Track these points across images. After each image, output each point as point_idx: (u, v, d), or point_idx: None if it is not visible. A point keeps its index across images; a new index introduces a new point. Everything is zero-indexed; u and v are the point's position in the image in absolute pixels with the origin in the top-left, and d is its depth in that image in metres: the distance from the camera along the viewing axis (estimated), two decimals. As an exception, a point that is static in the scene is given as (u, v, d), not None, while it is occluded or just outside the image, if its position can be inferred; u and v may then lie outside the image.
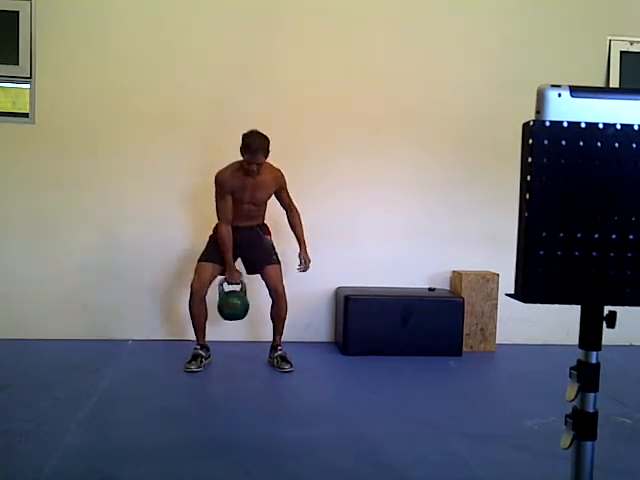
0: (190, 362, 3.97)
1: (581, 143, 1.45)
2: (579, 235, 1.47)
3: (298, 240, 4.24)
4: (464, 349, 4.58)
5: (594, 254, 1.47)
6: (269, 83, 4.68)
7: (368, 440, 2.95)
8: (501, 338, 4.78)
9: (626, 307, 1.51)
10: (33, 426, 2.94)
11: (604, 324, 1.58)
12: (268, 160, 3.96)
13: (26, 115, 4.58)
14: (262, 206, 4.15)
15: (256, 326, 4.67)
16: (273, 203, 4.23)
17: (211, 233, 4.17)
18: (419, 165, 4.87)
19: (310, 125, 4.74)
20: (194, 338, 4.16)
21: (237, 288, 4.13)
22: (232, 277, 4.06)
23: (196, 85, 4.66)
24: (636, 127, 1.45)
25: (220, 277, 4.10)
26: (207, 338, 4.12)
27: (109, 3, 4.59)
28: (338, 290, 4.76)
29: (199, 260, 4.08)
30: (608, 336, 1.62)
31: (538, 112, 1.46)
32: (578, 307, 1.60)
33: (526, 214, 1.47)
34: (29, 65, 4.51)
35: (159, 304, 4.71)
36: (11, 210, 4.59)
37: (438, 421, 3.23)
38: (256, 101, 4.64)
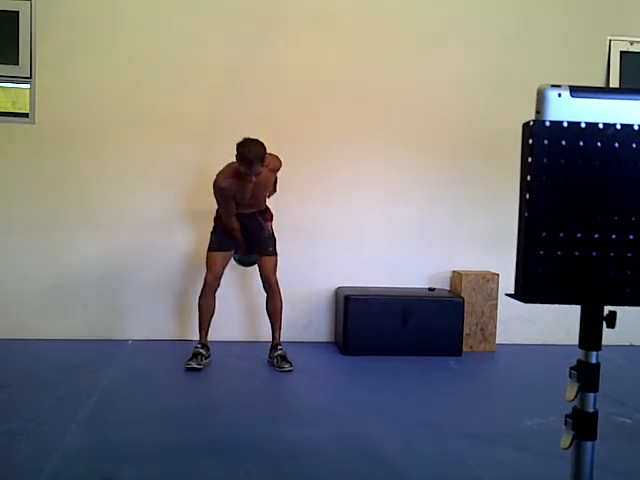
0: (190, 359, 3.97)
1: (581, 143, 1.45)
2: (579, 235, 1.47)
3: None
4: (464, 349, 4.58)
5: (594, 254, 1.47)
6: (270, 84, 4.68)
7: (368, 440, 2.95)
8: (501, 338, 4.78)
9: (626, 307, 1.51)
10: (33, 426, 2.94)
11: (604, 324, 1.58)
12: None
13: (26, 115, 4.58)
14: (263, 195, 4.13)
15: (256, 326, 4.67)
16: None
17: (214, 224, 4.17)
18: (419, 165, 4.87)
19: (310, 126, 4.74)
20: (195, 338, 4.17)
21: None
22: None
23: (197, 85, 4.66)
24: (636, 127, 1.45)
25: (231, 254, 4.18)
26: (207, 338, 4.12)
27: (109, 3, 4.60)
28: (338, 290, 4.76)
29: (209, 250, 4.09)
30: (608, 336, 1.62)
31: (538, 112, 1.46)
32: (578, 307, 1.60)
33: (526, 214, 1.47)
34: (29, 65, 4.51)
35: (159, 304, 4.71)
36: (11, 210, 4.59)
37: (438, 421, 3.23)
38: (257, 102, 4.64)
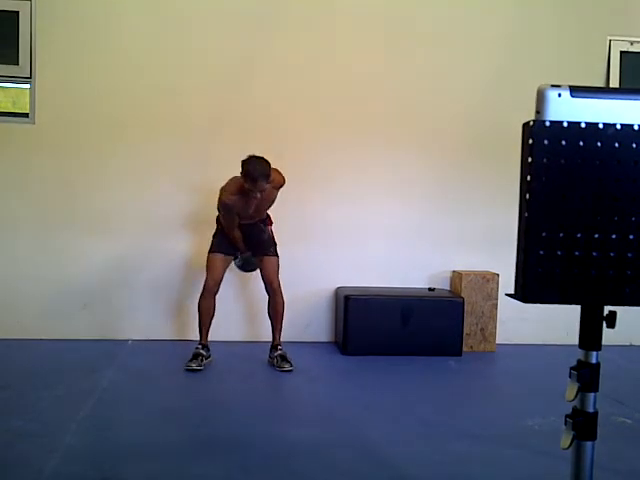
0: (191, 360, 3.97)
1: (581, 143, 1.45)
2: (579, 235, 1.47)
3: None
4: (464, 349, 4.58)
5: (594, 254, 1.47)
6: (270, 84, 4.68)
7: (368, 440, 2.95)
8: (501, 338, 4.78)
9: (626, 307, 1.51)
10: (33, 426, 2.94)
11: (604, 324, 1.58)
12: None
13: (26, 115, 4.58)
14: (265, 209, 4.16)
15: (256, 326, 4.67)
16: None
17: (216, 227, 4.19)
18: (419, 165, 4.87)
19: (310, 126, 4.74)
20: (194, 338, 4.17)
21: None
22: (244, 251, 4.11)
23: (198, 85, 4.66)
24: (636, 127, 1.45)
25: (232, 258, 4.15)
26: (208, 338, 4.12)
27: (109, 3, 4.59)
28: (338, 290, 4.76)
29: (210, 251, 4.10)
30: (608, 336, 1.62)
31: (538, 112, 1.46)
32: (578, 307, 1.60)
33: (526, 214, 1.47)
34: (29, 65, 4.51)
35: (159, 304, 4.71)
36: (11, 210, 4.59)
37: (438, 421, 3.23)
38: (257, 102, 4.64)
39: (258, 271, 4.19)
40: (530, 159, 1.46)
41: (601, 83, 4.94)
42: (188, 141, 4.66)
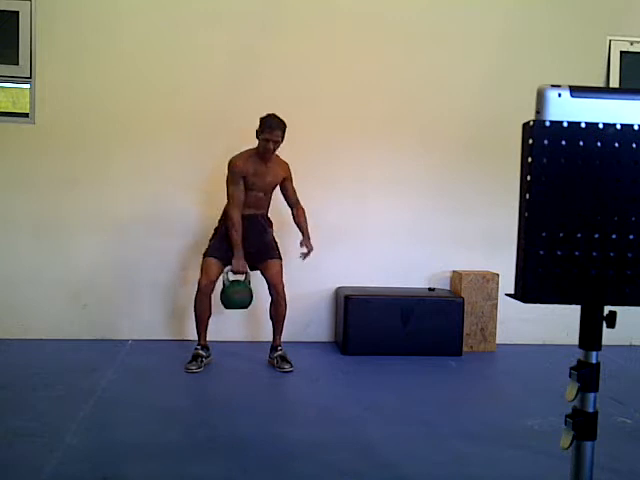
0: (190, 362, 3.97)
1: (581, 143, 1.45)
2: (579, 235, 1.47)
3: (303, 233, 4.22)
4: (464, 349, 4.58)
5: (594, 254, 1.47)
6: (271, 85, 4.68)
7: (368, 440, 2.95)
8: (501, 338, 4.78)
9: (626, 307, 1.51)
10: (33, 426, 2.94)
11: (604, 324, 1.58)
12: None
13: (26, 115, 4.58)
14: (269, 194, 4.15)
15: (256, 326, 4.67)
16: (276, 201, 4.24)
17: (216, 225, 4.18)
18: (419, 164, 4.87)
19: (310, 125, 4.73)
20: (194, 338, 4.16)
21: (241, 278, 4.09)
22: (238, 265, 3.97)
23: (198, 85, 4.66)
24: (636, 127, 1.45)
25: (226, 267, 4.07)
26: (207, 338, 4.12)
27: (109, 3, 4.59)
28: (338, 290, 4.76)
29: (205, 255, 4.08)
30: (608, 336, 1.62)
31: (538, 112, 1.46)
32: (578, 307, 1.60)
33: (526, 214, 1.47)
34: (29, 65, 4.51)
35: (159, 304, 4.71)
36: (11, 210, 4.59)
37: (438, 421, 3.23)
38: (258, 102, 4.62)
39: (259, 272, 4.18)
40: (530, 159, 1.46)
41: (601, 83, 4.94)
42: (189, 141, 4.66)
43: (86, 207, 4.62)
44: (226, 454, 2.73)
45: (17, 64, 4.51)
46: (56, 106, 4.56)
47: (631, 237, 1.47)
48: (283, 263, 4.15)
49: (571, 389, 1.58)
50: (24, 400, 3.33)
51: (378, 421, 3.21)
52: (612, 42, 4.96)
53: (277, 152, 4.06)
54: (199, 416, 3.26)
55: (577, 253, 1.47)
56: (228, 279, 4.09)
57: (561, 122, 1.45)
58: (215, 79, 4.68)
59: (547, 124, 1.45)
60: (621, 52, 4.97)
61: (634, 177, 1.46)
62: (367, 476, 2.58)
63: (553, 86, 1.46)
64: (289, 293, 4.16)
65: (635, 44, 4.97)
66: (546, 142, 1.45)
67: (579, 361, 1.61)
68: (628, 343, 4.93)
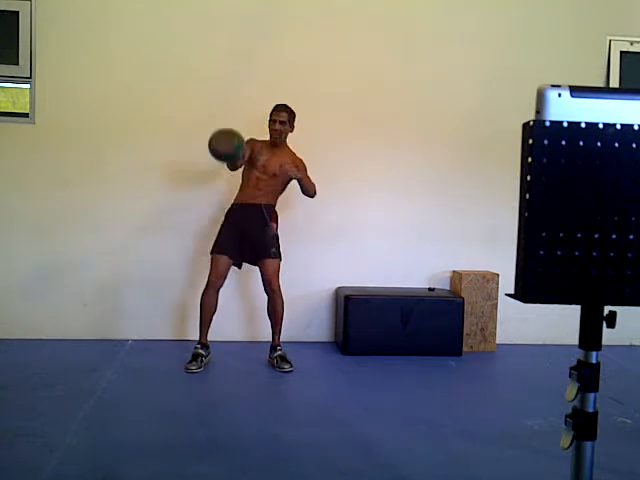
0: (190, 362, 3.97)
1: (581, 143, 1.45)
2: (579, 235, 1.47)
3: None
4: (464, 349, 4.58)
5: (594, 254, 1.47)
6: (270, 84, 4.67)
7: (368, 440, 2.95)
8: (501, 338, 4.78)
9: (626, 307, 1.51)
10: (33, 426, 2.94)
11: (604, 324, 1.58)
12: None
13: (26, 115, 4.58)
14: (272, 181, 4.14)
15: (255, 326, 4.67)
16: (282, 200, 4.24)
17: (223, 219, 4.18)
18: (419, 165, 4.87)
19: (309, 125, 4.73)
20: (194, 338, 4.16)
21: None
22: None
23: (197, 86, 4.66)
24: (636, 127, 1.45)
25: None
26: (207, 338, 4.12)
27: (109, 3, 4.59)
28: (338, 290, 4.76)
29: (212, 252, 4.09)
30: (608, 336, 1.62)
31: (538, 112, 1.46)
32: (578, 307, 1.60)
33: (526, 214, 1.47)
34: (29, 65, 4.51)
35: (159, 304, 4.71)
36: (11, 210, 4.59)
37: (438, 421, 3.23)
38: (257, 102, 4.62)
39: (257, 270, 4.18)
40: (530, 159, 1.46)
41: (601, 83, 4.94)
42: (188, 141, 4.65)
43: (86, 206, 4.62)
44: (226, 454, 2.73)
45: (17, 64, 4.51)
46: (56, 106, 4.57)
47: (631, 237, 1.47)
48: (282, 263, 4.15)
49: (571, 389, 1.58)
50: (24, 400, 3.33)
51: (378, 421, 3.21)
52: (612, 42, 4.96)
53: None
54: (199, 416, 3.25)
55: (577, 253, 1.47)
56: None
57: (561, 122, 1.45)
58: (215, 79, 4.68)
59: (547, 124, 1.45)
60: (621, 52, 4.97)
61: (634, 177, 1.46)
62: (367, 476, 2.58)
63: (553, 86, 1.46)
64: (289, 293, 4.16)
65: (635, 44, 4.97)
66: (546, 142, 1.45)
67: (579, 361, 1.61)
68: (628, 343, 4.93)
